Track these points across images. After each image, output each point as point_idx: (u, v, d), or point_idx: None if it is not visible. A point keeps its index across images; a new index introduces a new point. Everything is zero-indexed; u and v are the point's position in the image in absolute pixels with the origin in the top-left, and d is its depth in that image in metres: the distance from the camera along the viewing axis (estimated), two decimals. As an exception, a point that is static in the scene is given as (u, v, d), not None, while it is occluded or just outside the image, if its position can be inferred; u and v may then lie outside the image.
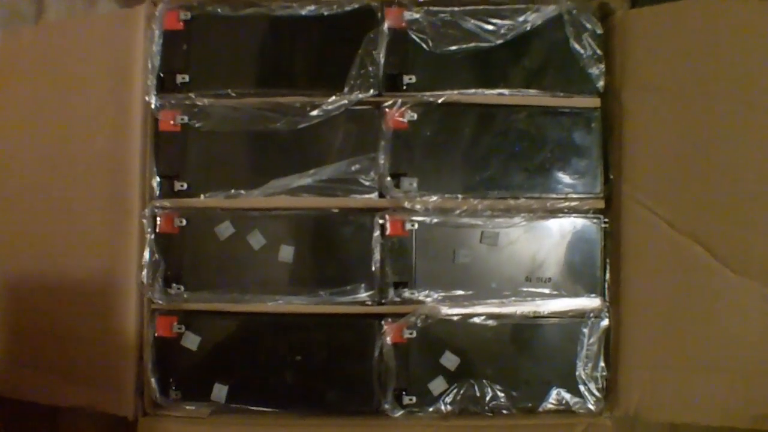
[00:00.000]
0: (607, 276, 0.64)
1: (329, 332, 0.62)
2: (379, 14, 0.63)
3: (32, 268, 0.63)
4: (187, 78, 0.62)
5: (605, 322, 0.62)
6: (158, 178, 0.63)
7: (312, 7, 0.63)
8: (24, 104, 0.65)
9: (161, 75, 0.63)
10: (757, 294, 0.59)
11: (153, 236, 0.62)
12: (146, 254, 0.62)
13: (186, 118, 0.62)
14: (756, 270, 0.59)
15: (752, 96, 0.59)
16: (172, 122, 0.62)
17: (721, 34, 0.60)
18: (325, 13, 0.63)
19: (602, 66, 0.63)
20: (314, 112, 0.62)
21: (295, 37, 0.63)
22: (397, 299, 0.62)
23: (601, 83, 0.63)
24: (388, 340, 0.60)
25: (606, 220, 0.63)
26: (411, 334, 0.61)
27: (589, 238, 0.62)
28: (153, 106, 0.63)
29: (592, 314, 0.62)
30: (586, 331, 0.62)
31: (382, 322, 0.61)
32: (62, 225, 0.62)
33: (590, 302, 0.63)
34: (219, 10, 0.63)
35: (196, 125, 0.62)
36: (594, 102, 0.63)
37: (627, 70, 0.62)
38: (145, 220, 0.62)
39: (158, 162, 0.62)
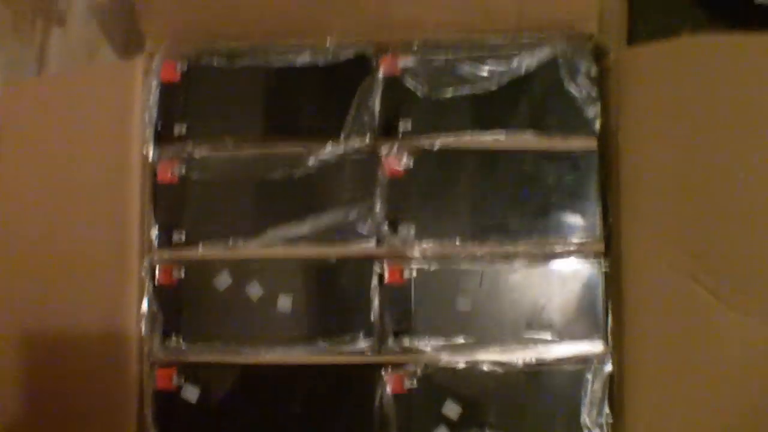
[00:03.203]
0: (610, 320, 0.62)
1: (329, 382, 0.61)
2: (374, 62, 0.62)
3: (35, 326, 0.63)
4: (184, 129, 0.63)
5: (609, 367, 0.61)
6: (157, 230, 0.62)
7: (307, 57, 0.63)
8: (24, 157, 0.65)
9: (159, 126, 0.62)
10: (760, 333, 0.58)
11: (152, 288, 0.61)
12: (145, 306, 0.61)
13: (184, 170, 0.62)
14: (758, 309, 0.58)
15: (752, 135, 0.59)
16: (170, 174, 0.62)
17: (720, 72, 0.60)
18: (320, 64, 0.62)
19: (598, 107, 0.62)
20: (311, 161, 0.61)
21: (291, 87, 0.63)
22: (397, 348, 0.61)
23: (597, 125, 0.62)
24: (388, 389, 0.59)
25: (606, 262, 0.61)
26: (411, 383, 0.60)
27: (590, 281, 0.62)
28: (151, 158, 0.62)
29: (595, 359, 0.62)
30: (590, 376, 0.61)
31: (382, 372, 0.61)
32: (63, 280, 0.62)
33: (593, 347, 0.62)
34: (215, 61, 0.63)
35: (194, 176, 0.62)
36: (591, 144, 0.63)
37: (623, 110, 0.62)
38: (143, 272, 0.61)
39: (156, 213, 0.62)
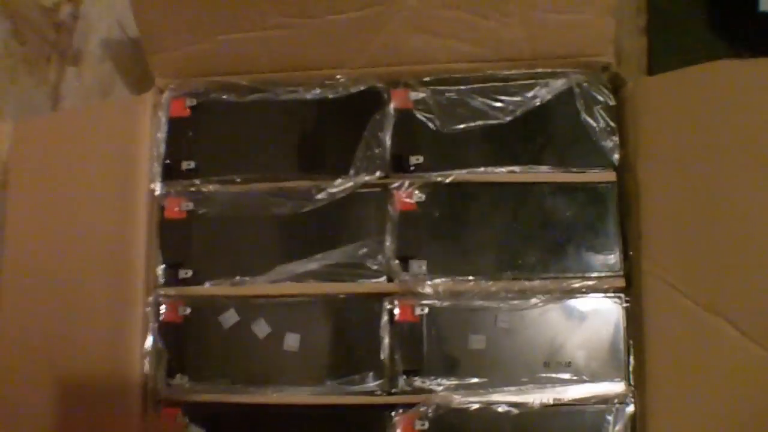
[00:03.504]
0: (631, 358, 0.60)
1: (337, 424, 0.60)
2: (385, 95, 0.61)
3: (42, 362, 0.62)
4: (192, 164, 0.62)
5: (631, 408, 0.59)
6: (163, 266, 0.61)
7: (317, 91, 0.62)
8: (33, 193, 0.66)
9: (167, 162, 0.61)
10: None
11: (157, 325, 0.60)
12: (149, 343, 0.60)
13: (191, 205, 0.61)
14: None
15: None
16: (177, 209, 0.61)
17: (739, 99, 0.58)
18: (330, 97, 0.61)
19: (616, 138, 0.61)
20: (320, 196, 0.60)
21: (300, 121, 0.62)
22: (408, 388, 0.59)
23: (615, 156, 0.60)
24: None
25: (627, 298, 0.59)
26: (423, 425, 0.58)
27: (610, 318, 0.59)
28: (158, 193, 0.61)
29: (616, 400, 0.59)
30: (610, 418, 0.58)
31: (393, 413, 0.58)
32: (69, 315, 0.62)
33: (614, 387, 0.59)
34: (225, 96, 0.63)
35: (202, 212, 0.61)
36: (609, 176, 0.61)
37: (641, 141, 0.60)
38: (148, 309, 0.60)
39: (163, 249, 0.61)
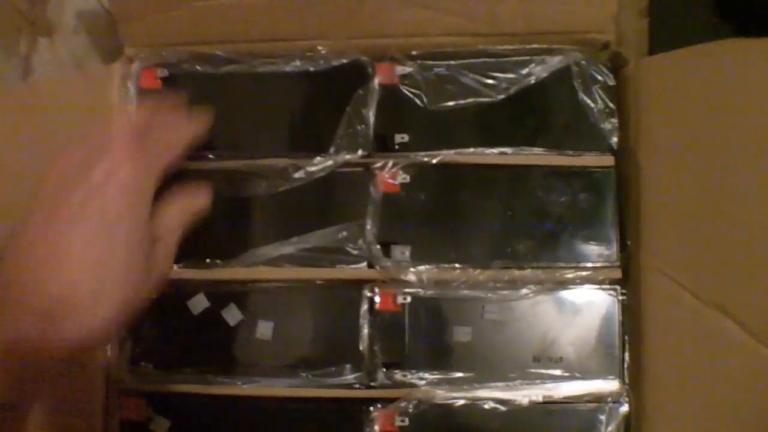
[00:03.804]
0: (626, 355, 0.57)
1: (312, 418, 0.56)
2: (370, 69, 0.57)
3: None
4: (163, 139, 0.56)
5: (625, 408, 0.56)
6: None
7: (297, 63, 0.58)
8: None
9: (136, 135, 0.57)
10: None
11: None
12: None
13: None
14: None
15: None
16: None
17: (746, 80, 0.54)
18: (311, 69, 0.57)
19: (615, 121, 0.57)
20: (297, 175, 0.57)
21: (278, 95, 0.58)
22: (388, 382, 0.55)
23: (614, 139, 0.57)
24: (377, 428, 0.54)
25: (624, 291, 0.55)
26: (403, 421, 0.55)
27: (605, 311, 0.55)
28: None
29: (610, 398, 0.56)
30: (603, 417, 0.55)
31: (371, 408, 0.55)
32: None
33: (608, 385, 0.56)
34: (198, 67, 0.59)
35: (170, 190, 0.56)
36: (607, 160, 0.57)
37: (642, 125, 0.56)
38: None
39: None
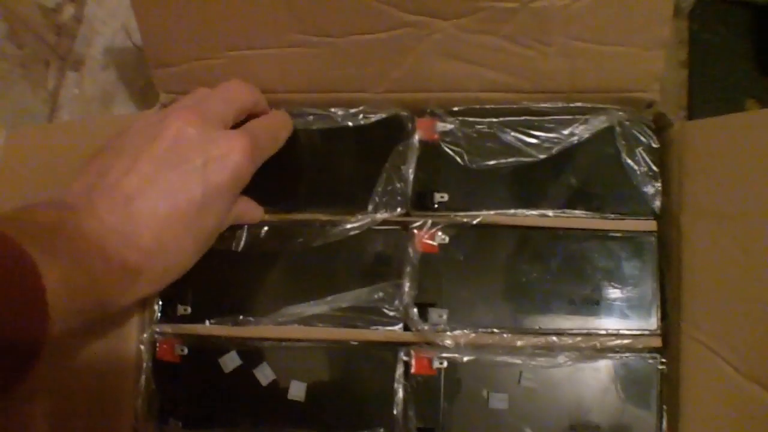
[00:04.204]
0: (665, 424, 0.55)
1: (343, 485, 0.53)
2: (410, 125, 0.56)
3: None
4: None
5: (662, 480, 0.52)
6: (160, 301, 0.55)
7: (336, 116, 0.58)
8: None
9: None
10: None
11: (151, 364, 0.54)
12: (142, 384, 0.54)
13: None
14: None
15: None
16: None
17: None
18: (349, 126, 0.56)
19: (658, 184, 0.55)
20: (334, 232, 0.55)
21: (314, 149, 0.57)
22: (422, 448, 0.52)
23: (657, 203, 0.55)
24: (411, 495, 0.51)
25: (663, 359, 0.53)
26: (438, 487, 0.51)
27: (643, 380, 0.54)
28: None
29: (647, 471, 0.52)
30: (640, 489, 0.52)
31: (404, 476, 0.52)
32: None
33: (645, 456, 0.52)
34: (234, 117, 0.57)
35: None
36: (649, 225, 0.55)
37: (686, 190, 0.54)
38: (142, 346, 0.54)
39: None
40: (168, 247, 0.42)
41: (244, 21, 0.53)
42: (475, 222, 0.55)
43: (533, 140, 0.56)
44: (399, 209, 0.55)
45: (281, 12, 0.51)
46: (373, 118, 0.57)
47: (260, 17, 0.52)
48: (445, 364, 0.54)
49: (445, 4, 0.50)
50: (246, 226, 0.56)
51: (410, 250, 0.55)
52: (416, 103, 0.57)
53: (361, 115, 0.57)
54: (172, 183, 0.42)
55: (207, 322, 0.56)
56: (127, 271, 0.41)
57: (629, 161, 0.56)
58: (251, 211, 0.53)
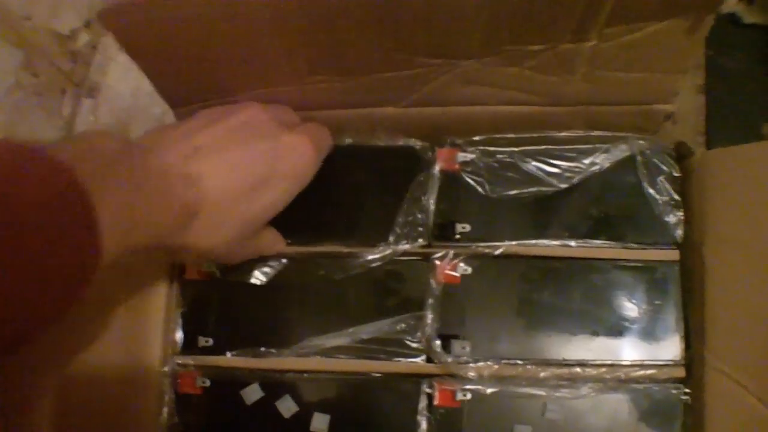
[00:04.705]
0: (689, 456, 0.53)
1: None
2: (430, 155, 0.55)
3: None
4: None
5: None
6: (181, 332, 0.55)
7: (353, 148, 0.57)
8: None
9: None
10: None
11: (173, 396, 0.54)
12: (164, 416, 0.54)
13: (214, 266, 0.55)
14: None
15: None
16: (199, 270, 0.55)
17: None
18: (368, 156, 0.57)
19: (680, 213, 0.55)
20: (355, 264, 0.55)
21: (334, 180, 0.56)
22: (446, 481, 0.52)
23: (679, 233, 0.55)
24: None
25: (687, 390, 0.53)
26: None
27: (667, 411, 0.54)
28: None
29: (672, 502, 0.52)
30: None
31: None
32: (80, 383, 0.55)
33: (670, 488, 0.52)
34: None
35: (225, 275, 0.55)
36: (672, 255, 0.55)
37: (708, 219, 0.54)
38: (164, 379, 0.54)
39: (182, 314, 0.55)
40: (223, 204, 0.43)
41: (261, 64, 0.52)
42: (496, 252, 0.55)
43: (554, 169, 0.56)
44: (420, 240, 0.54)
45: (299, 61, 0.51)
46: (393, 148, 0.56)
47: (277, 60, 0.52)
48: (469, 396, 0.54)
49: (468, 48, 0.49)
50: (267, 259, 0.55)
51: (432, 281, 0.55)
52: (436, 133, 0.56)
53: (380, 147, 0.56)
54: (240, 154, 0.45)
55: (228, 354, 0.55)
56: (183, 210, 0.41)
57: (651, 190, 0.56)
58: (276, 241, 0.53)
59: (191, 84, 0.51)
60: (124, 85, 0.69)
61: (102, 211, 0.34)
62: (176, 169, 0.41)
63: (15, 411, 0.47)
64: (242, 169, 0.44)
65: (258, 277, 0.56)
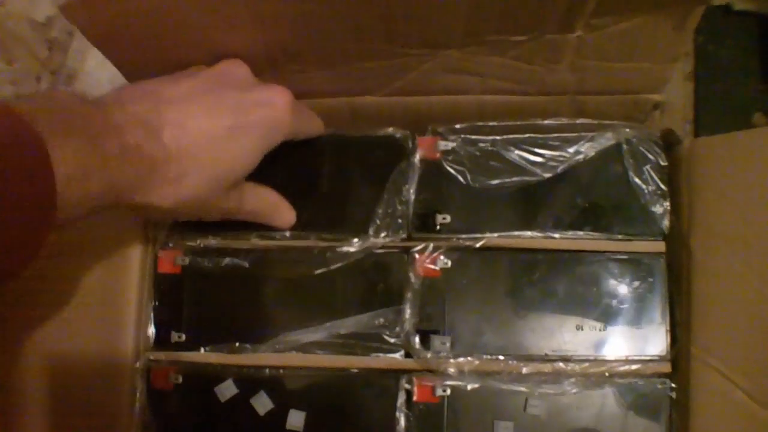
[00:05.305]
0: (675, 453, 0.52)
1: None
2: (410, 143, 0.54)
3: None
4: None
5: None
6: (153, 328, 0.53)
7: (331, 137, 0.56)
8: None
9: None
10: None
11: (145, 394, 0.52)
12: (136, 413, 0.53)
13: (187, 260, 0.53)
14: None
15: None
16: (172, 263, 0.54)
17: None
18: (346, 145, 0.56)
19: (667, 204, 0.53)
20: (333, 257, 0.53)
21: (310, 171, 0.55)
22: (425, 479, 0.50)
23: (665, 223, 0.53)
24: None
25: (673, 386, 0.51)
26: None
27: (653, 406, 0.53)
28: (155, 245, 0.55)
29: (657, 500, 0.50)
30: None
31: (407, 508, 0.50)
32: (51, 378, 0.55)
33: (655, 485, 0.51)
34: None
35: (198, 268, 0.54)
36: (658, 246, 0.53)
37: (696, 210, 0.53)
38: (137, 375, 0.53)
39: (155, 309, 0.53)
40: (186, 154, 0.41)
41: (234, 55, 0.50)
42: (478, 245, 0.53)
43: (538, 158, 0.54)
44: (399, 232, 0.53)
45: (275, 49, 0.49)
46: (372, 137, 0.54)
47: (251, 52, 0.50)
48: (449, 392, 0.52)
49: (449, 38, 0.47)
50: (242, 252, 0.54)
51: (411, 274, 0.53)
52: (418, 107, 0.55)
53: (358, 135, 0.55)
54: (208, 103, 0.43)
55: (202, 350, 0.54)
56: (143, 162, 0.39)
57: (637, 180, 0.54)
58: (279, 208, 0.54)
59: (163, 73, 0.49)
60: (102, 72, 0.67)
61: (58, 160, 0.33)
62: (137, 120, 0.39)
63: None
64: (208, 117, 0.42)
65: (233, 270, 0.54)
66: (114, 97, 0.41)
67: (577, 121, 0.56)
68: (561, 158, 0.54)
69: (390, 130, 0.54)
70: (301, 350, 0.54)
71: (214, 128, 0.42)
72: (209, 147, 0.41)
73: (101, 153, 0.36)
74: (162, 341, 0.55)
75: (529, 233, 0.54)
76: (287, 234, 0.54)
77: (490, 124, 0.56)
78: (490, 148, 0.55)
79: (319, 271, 0.53)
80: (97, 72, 0.69)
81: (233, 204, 0.48)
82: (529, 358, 0.53)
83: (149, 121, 0.40)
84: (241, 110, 0.43)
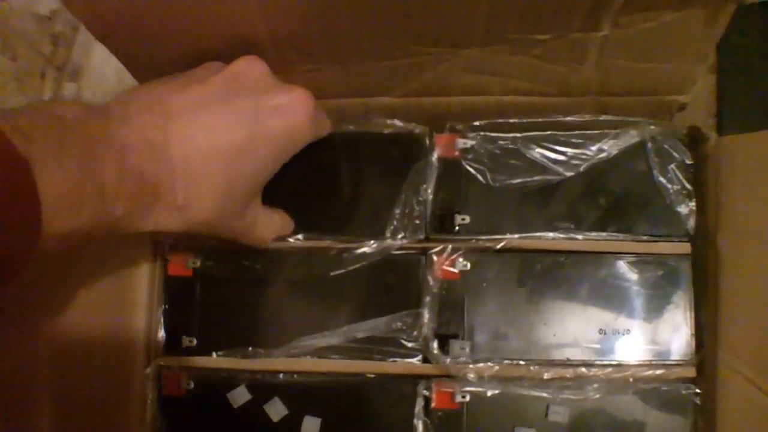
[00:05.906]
0: (701, 460, 0.50)
1: None
2: (428, 142, 0.52)
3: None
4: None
5: None
6: (164, 332, 0.52)
7: (349, 135, 0.54)
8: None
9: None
10: None
11: (156, 399, 0.51)
12: (147, 419, 0.52)
13: (198, 262, 0.52)
14: None
15: None
16: (183, 266, 0.52)
17: None
18: (363, 143, 0.55)
19: (692, 203, 0.51)
20: (349, 259, 0.52)
21: (325, 170, 0.53)
22: (444, 488, 0.49)
23: (691, 224, 0.51)
24: None
25: (698, 391, 0.50)
26: None
27: (677, 412, 0.52)
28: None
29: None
30: None
31: None
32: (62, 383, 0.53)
33: (681, 492, 0.49)
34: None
35: (210, 271, 0.52)
36: (683, 248, 0.52)
37: (723, 209, 0.51)
38: (147, 381, 0.52)
39: (165, 313, 0.52)
40: (196, 173, 0.38)
41: (244, 53, 0.48)
42: (498, 247, 0.52)
43: (560, 157, 0.52)
44: (417, 233, 0.51)
45: (286, 48, 0.47)
46: (389, 136, 0.52)
47: (260, 50, 0.48)
48: (468, 398, 0.51)
49: (470, 36, 0.45)
50: (255, 253, 0.53)
51: (429, 277, 0.52)
52: (435, 119, 0.53)
53: (376, 134, 0.53)
54: (219, 115, 0.39)
55: (214, 354, 0.53)
56: (145, 187, 0.36)
57: (661, 179, 0.52)
58: (286, 222, 0.52)
59: (170, 71, 0.47)
60: (108, 67, 0.66)
61: (45, 185, 0.30)
62: (142, 138, 0.36)
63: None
64: (220, 130, 0.38)
65: (245, 273, 0.52)
66: (120, 110, 0.37)
67: (600, 118, 0.54)
68: (583, 156, 0.52)
69: (409, 126, 0.52)
70: (316, 355, 0.53)
71: (227, 142, 0.39)
72: (222, 164, 0.38)
73: (98, 181, 0.34)
74: (173, 346, 0.53)
75: (550, 234, 0.52)
76: (300, 236, 0.51)
77: (510, 121, 0.54)
78: (510, 146, 0.53)
79: (334, 274, 0.52)
80: (102, 67, 0.67)
81: (246, 225, 0.46)
82: (551, 363, 0.51)
83: (155, 139, 0.36)
84: (257, 119, 0.40)
